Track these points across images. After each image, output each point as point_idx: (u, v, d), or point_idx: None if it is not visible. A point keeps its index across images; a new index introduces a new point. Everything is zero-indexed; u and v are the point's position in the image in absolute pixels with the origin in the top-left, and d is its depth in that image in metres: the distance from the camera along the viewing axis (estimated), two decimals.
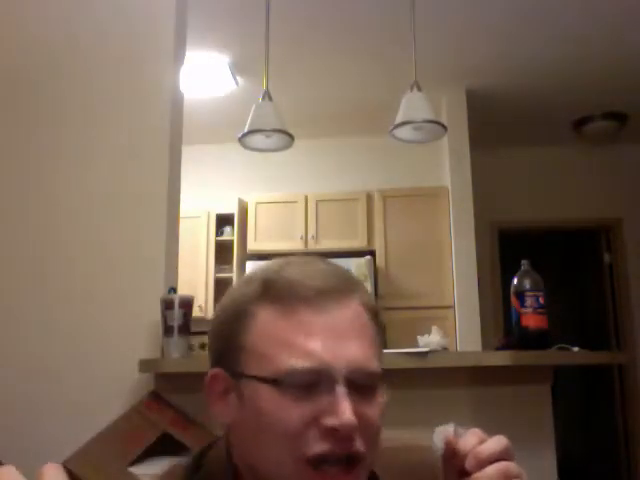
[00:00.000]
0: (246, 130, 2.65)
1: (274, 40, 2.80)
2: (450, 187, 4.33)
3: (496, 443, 0.69)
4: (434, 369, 1.93)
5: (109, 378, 1.95)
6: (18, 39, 2.29)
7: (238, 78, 4.04)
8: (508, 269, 3.39)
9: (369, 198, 4.53)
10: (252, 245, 4.60)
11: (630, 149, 5.06)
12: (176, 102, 2.27)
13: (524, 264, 2.09)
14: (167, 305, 1.90)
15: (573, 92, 4.26)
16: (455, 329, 4.08)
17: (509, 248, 4.93)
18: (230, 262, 4.64)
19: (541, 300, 2.01)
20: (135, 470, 1.67)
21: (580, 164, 5.10)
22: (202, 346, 1.94)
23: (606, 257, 5.22)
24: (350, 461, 0.64)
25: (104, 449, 1.73)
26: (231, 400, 0.68)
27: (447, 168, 4.39)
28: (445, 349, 2.09)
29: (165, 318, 1.90)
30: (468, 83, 4.21)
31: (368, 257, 4.19)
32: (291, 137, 2.70)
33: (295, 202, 4.57)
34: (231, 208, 4.67)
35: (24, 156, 2.21)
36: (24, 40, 2.29)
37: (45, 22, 2.31)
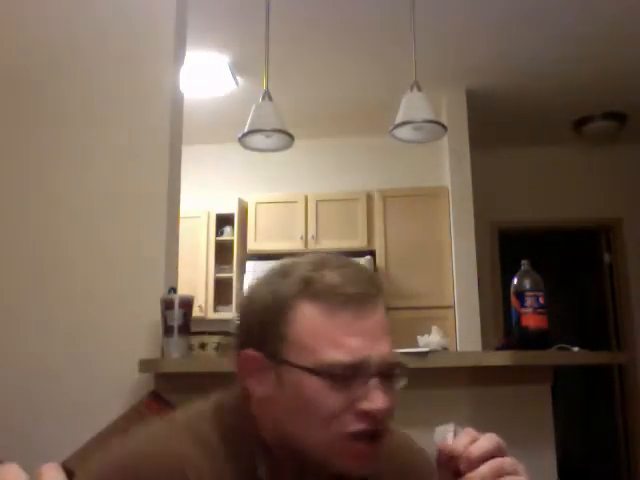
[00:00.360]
0: (246, 130, 2.65)
1: (274, 40, 2.80)
2: (450, 187, 4.33)
3: (487, 441, 0.74)
4: (434, 369, 1.93)
5: (109, 378, 1.95)
6: (18, 39, 2.30)
7: (238, 78, 4.04)
8: (508, 269, 3.39)
9: (369, 198, 4.53)
10: (252, 245, 4.60)
11: (630, 149, 5.06)
12: (176, 102, 2.27)
13: (524, 264, 2.09)
14: (167, 305, 1.90)
15: (573, 92, 4.26)
16: (455, 329, 4.08)
17: (509, 248, 4.93)
18: (230, 262, 4.64)
19: (541, 300, 2.01)
20: None
21: (580, 164, 5.10)
22: (202, 346, 1.94)
23: (606, 257, 5.22)
24: (375, 435, 0.74)
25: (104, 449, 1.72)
26: (267, 379, 0.76)
27: (447, 168, 4.39)
28: (445, 349, 2.09)
29: (165, 318, 1.90)
30: (468, 83, 4.21)
31: (368, 257, 4.19)
32: (291, 137, 2.70)
33: (295, 202, 4.57)
34: (231, 208, 4.67)
35: (24, 156, 2.21)
36: (24, 40, 2.29)
37: (45, 22, 2.31)
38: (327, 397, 0.73)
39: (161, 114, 2.20)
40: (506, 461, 0.72)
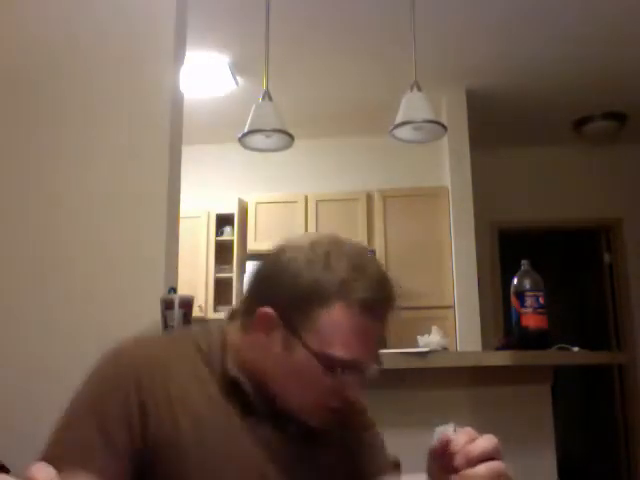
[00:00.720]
0: (246, 130, 2.65)
1: (274, 40, 2.80)
2: (450, 187, 4.33)
3: (487, 442, 0.78)
4: (434, 369, 1.93)
5: None
6: (18, 39, 2.29)
7: (238, 78, 4.04)
8: (508, 269, 3.39)
9: (369, 198, 4.53)
10: (252, 245, 4.60)
11: (630, 149, 5.06)
12: (176, 102, 2.27)
13: (524, 264, 2.09)
14: (167, 305, 1.90)
15: (573, 92, 4.26)
16: (455, 329, 4.08)
17: (509, 248, 4.93)
18: (230, 262, 4.64)
19: (541, 300, 2.01)
20: None
21: (580, 164, 5.10)
22: None
23: (606, 257, 5.22)
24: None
25: None
26: (274, 337, 0.88)
27: (447, 168, 4.39)
28: (445, 349, 2.09)
29: (165, 318, 1.90)
30: (468, 83, 4.21)
31: None
32: (291, 137, 2.70)
33: (295, 202, 4.57)
34: (231, 208, 4.67)
35: (24, 156, 2.21)
36: (24, 40, 2.29)
37: (45, 22, 2.31)
38: (319, 378, 0.87)
39: (161, 114, 2.19)
40: (503, 464, 0.77)
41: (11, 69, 2.27)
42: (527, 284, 2.03)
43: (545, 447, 2.06)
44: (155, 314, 1.93)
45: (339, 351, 0.86)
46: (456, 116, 4.22)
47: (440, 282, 4.25)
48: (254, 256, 4.53)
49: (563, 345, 2.02)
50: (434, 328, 2.13)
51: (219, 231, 4.71)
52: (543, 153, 5.12)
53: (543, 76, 4.06)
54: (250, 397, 0.90)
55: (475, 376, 2.03)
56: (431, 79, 3.51)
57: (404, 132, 2.66)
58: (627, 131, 4.75)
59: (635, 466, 4.77)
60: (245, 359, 0.91)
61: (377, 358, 0.91)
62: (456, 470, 0.77)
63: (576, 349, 2.03)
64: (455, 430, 0.79)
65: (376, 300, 0.88)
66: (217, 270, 4.63)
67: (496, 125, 4.74)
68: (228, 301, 4.57)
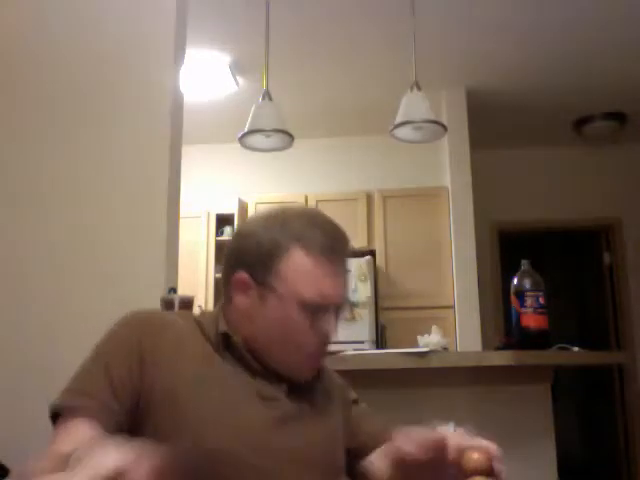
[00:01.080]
0: (246, 130, 2.66)
1: (274, 40, 2.80)
2: (450, 187, 4.33)
3: (482, 455, 0.80)
4: (434, 369, 1.93)
5: None
6: (18, 39, 2.30)
7: (238, 78, 4.04)
8: (508, 269, 3.39)
9: (369, 198, 4.53)
10: None
11: (630, 149, 5.06)
12: (176, 102, 2.27)
13: (524, 264, 2.09)
14: (167, 305, 1.90)
15: (573, 92, 4.26)
16: (455, 329, 4.08)
17: (509, 248, 4.93)
18: None
19: (541, 300, 2.01)
20: None
21: (580, 164, 5.10)
22: None
23: (606, 257, 5.22)
24: (323, 355, 1.03)
25: None
26: (251, 296, 0.99)
27: (447, 168, 4.39)
28: (445, 349, 2.09)
29: None
30: (468, 83, 4.21)
31: (368, 257, 4.19)
32: (291, 137, 2.70)
33: (295, 202, 4.57)
34: (231, 208, 4.67)
35: (24, 156, 2.21)
36: (23, 40, 2.29)
37: (45, 22, 2.31)
38: (300, 322, 0.97)
39: (161, 114, 2.20)
40: None
41: (10, 68, 2.27)
42: (527, 284, 2.03)
43: (545, 447, 2.06)
44: None
45: (308, 291, 0.97)
46: (456, 116, 4.22)
47: (440, 282, 4.25)
48: None
49: (563, 345, 2.02)
50: (434, 328, 2.13)
51: (219, 231, 4.70)
52: (543, 153, 5.12)
53: (543, 76, 4.06)
54: (242, 350, 0.99)
55: (475, 376, 2.03)
56: (431, 79, 3.51)
57: (404, 132, 2.66)
58: (627, 131, 4.75)
59: (635, 466, 4.77)
60: (232, 322, 1.01)
61: (345, 297, 1.02)
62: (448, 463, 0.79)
63: (576, 349, 2.03)
64: (455, 430, 0.79)
65: (332, 242, 1.01)
66: (217, 270, 4.63)
67: (496, 125, 4.74)
68: None
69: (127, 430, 0.89)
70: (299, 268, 0.98)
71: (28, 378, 2.00)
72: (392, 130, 2.64)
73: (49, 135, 2.21)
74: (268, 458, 0.92)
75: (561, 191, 5.08)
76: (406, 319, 4.04)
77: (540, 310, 2.01)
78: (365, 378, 1.94)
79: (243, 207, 4.69)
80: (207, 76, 3.97)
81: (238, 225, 1.07)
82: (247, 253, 1.01)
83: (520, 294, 2.03)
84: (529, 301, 2.01)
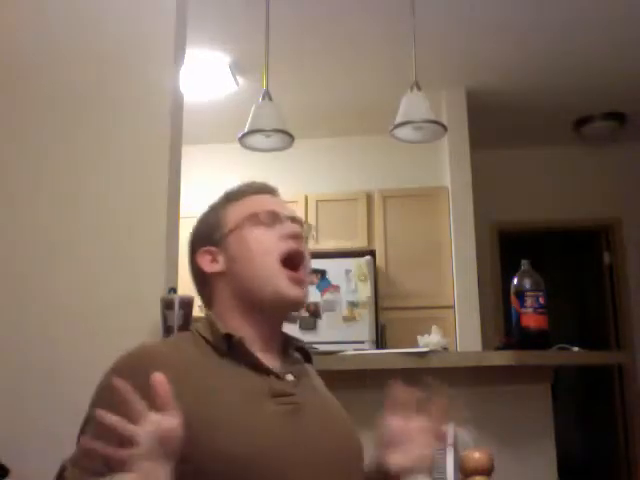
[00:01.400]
0: (246, 130, 2.66)
1: (274, 40, 2.80)
2: (450, 187, 4.33)
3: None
4: (434, 369, 1.93)
5: None
6: (17, 38, 2.29)
7: (238, 78, 4.04)
8: (508, 269, 3.39)
9: (369, 198, 4.53)
10: None
11: (630, 149, 5.06)
12: (176, 102, 2.27)
13: (524, 264, 2.09)
14: (167, 305, 1.90)
15: (573, 92, 4.26)
16: (455, 329, 4.08)
17: (509, 248, 4.93)
18: None
19: (541, 300, 2.02)
20: None
21: (580, 164, 5.10)
22: None
23: (606, 257, 5.22)
24: (300, 261, 1.07)
25: None
26: (220, 259, 1.07)
27: (447, 168, 4.39)
28: (445, 349, 2.09)
29: (165, 318, 1.90)
30: (468, 83, 4.21)
31: (368, 257, 4.19)
32: (291, 137, 2.70)
33: (295, 202, 4.56)
34: None
35: (24, 156, 2.20)
36: (23, 40, 2.29)
37: (45, 22, 2.31)
38: (262, 233, 1.06)
39: (161, 114, 2.19)
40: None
41: (10, 68, 2.27)
42: (527, 284, 2.04)
43: (545, 447, 2.06)
44: (155, 314, 1.93)
45: (254, 209, 1.07)
46: (456, 116, 4.22)
47: (440, 282, 4.25)
48: None
49: (563, 345, 2.02)
50: (434, 328, 2.13)
51: None
52: (543, 153, 5.12)
53: (543, 76, 4.06)
54: (246, 348, 0.99)
55: (475, 376, 2.03)
56: (431, 79, 3.51)
57: (404, 132, 2.66)
58: (627, 131, 4.75)
59: (635, 466, 4.77)
60: (220, 308, 1.06)
61: (294, 213, 1.12)
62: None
63: (576, 349, 2.03)
64: (455, 430, 0.79)
65: (255, 185, 1.14)
66: None
67: (496, 125, 4.74)
68: None
69: None
70: (236, 210, 1.09)
71: (28, 378, 2.00)
72: (392, 130, 2.64)
73: (49, 135, 2.21)
74: (289, 456, 0.91)
75: (561, 191, 5.08)
76: (406, 319, 4.04)
77: (540, 310, 2.01)
78: (365, 378, 1.95)
79: None
80: (207, 76, 3.97)
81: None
82: (198, 236, 1.12)
83: (520, 294, 2.03)
84: (529, 301, 2.01)
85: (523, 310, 2.01)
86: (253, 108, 2.69)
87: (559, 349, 2.01)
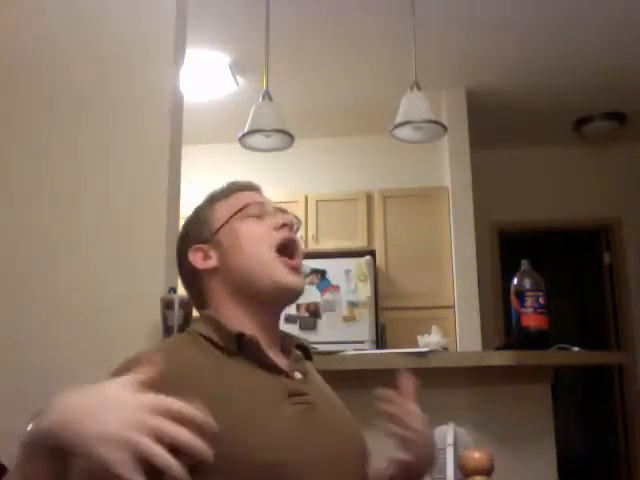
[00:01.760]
0: (246, 130, 2.66)
1: (274, 40, 2.80)
2: (450, 187, 4.33)
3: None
4: (434, 369, 1.93)
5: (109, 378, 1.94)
6: (17, 38, 2.29)
7: (238, 78, 4.04)
8: (508, 269, 3.39)
9: (369, 198, 4.53)
10: None
11: (630, 149, 5.06)
12: (176, 102, 2.27)
13: (524, 264, 2.09)
14: (167, 305, 1.90)
15: (573, 92, 4.26)
16: (455, 329, 4.08)
17: (509, 248, 4.93)
18: None
19: (541, 300, 2.02)
20: None
21: (580, 164, 5.10)
22: None
23: (606, 257, 5.22)
24: (295, 248, 1.08)
25: None
26: (212, 255, 1.07)
27: (447, 168, 4.39)
28: (445, 349, 2.09)
29: (165, 318, 1.90)
30: (468, 83, 4.21)
31: (368, 257, 4.19)
32: (291, 137, 2.70)
33: (295, 202, 4.56)
34: None
35: (24, 156, 2.20)
36: (23, 40, 2.29)
37: (45, 22, 2.31)
38: (254, 225, 1.07)
39: (161, 114, 2.19)
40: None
41: (10, 68, 2.27)
42: (527, 284, 2.04)
43: (545, 447, 2.06)
44: (155, 314, 1.94)
45: (243, 203, 1.08)
46: (456, 116, 4.22)
47: (440, 282, 4.25)
48: None
49: (563, 345, 2.02)
50: (434, 328, 2.13)
51: None
52: (543, 153, 5.12)
53: (543, 76, 4.06)
54: (258, 347, 0.98)
55: (475, 376, 2.03)
56: (431, 79, 3.51)
57: (404, 132, 2.66)
58: (627, 131, 4.75)
59: (635, 466, 4.77)
60: (215, 305, 1.06)
61: (280, 208, 1.13)
62: None
63: (576, 349, 2.03)
64: (455, 430, 0.79)
65: (239, 183, 1.16)
66: None
67: (496, 125, 4.74)
68: None
69: None
70: (223, 208, 1.10)
71: (28, 378, 2.00)
72: (392, 130, 2.64)
73: (49, 135, 2.21)
74: (308, 456, 0.90)
75: (561, 191, 5.08)
76: (406, 319, 4.04)
77: (540, 310, 2.01)
78: (365, 378, 1.94)
79: None
80: (207, 76, 3.97)
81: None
82: (187, 236, 1.12)
83: (520, 294, 2.03)
84: (529, 301, 2.01)
85: (523, 310, 2.01)
86: (253, 108, 2.69)
87: (559, 349, 2.01)
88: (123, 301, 2.04)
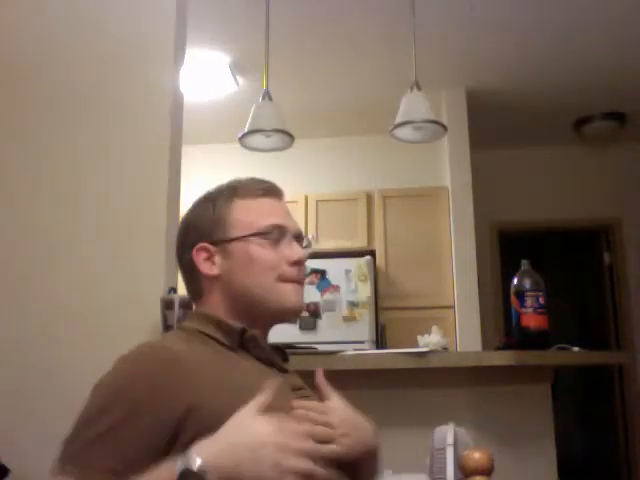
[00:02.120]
0: (246, 130, 2.66)
1: (274, 40, 2.80)
2: (450, 187, 4.33)
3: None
4: (434, 369, 1.93)
5: None
6: (17, 38, 2.29)
7: (238, 78, 4.04)
8: (508, 269, 3.39)
9: (369, 198, 4.53)
10: None
11: (630, 149, 5.05)
12: (176, 102, 2.27)
13: (524, 264, 2.09)
14: (167, 305, 1.90)
15: (573, 92, 4.26)
16: (455, 329, 4.08)
17: (509, 248, 4.93)
18: None
19: (541, 300, 2.02)
20: None
21: (580, 164, 5.10)
22: None
23: (606, 257, 5.22)
24: (299, 280, 1.08)
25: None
26: (217, 261, 1.05)
27: (447, 168, 4.39)
28: (445, 349, 2.09)
29: (165, 318, 1.90)
30: (468, 83, 4.21)
31: (368, 257, 4.19)
32: (291, 137, 2.70)
33: (295, 202, 4.56)
34: None
35: (24, 156, 2.21)
36: (23, 40, 2.29)
37: (45, 22, 2.31)
38: (267, 253, 1.04)
39: (161, 114, 2.19)
40: None
41: (10, 68, 2.27)
42: (527, 284, 2.04)
43: (545, 447, 2.06)
44: (155, 314, 1.94)
45: (262, 222, 1.05)
46: (456, 116, 4.22)
47: (440, 282, 4.25)
48: None
49: (563, 345, 2.02)
50: (434, 328, 2.13)
51: None
52: (543, 153, 5.11)
53: (543, 76, 4.06)
54: (262, 342, 1.02)
55: (475, 376, 2.03)
56: (431, 79, 3.51)
57: (404, 132, 2.66)
58: (627, 131, 4.75)
59: (635, 466, 4.77)
60: (212, 304, 1.06)
61: (297, 226, 1.11)
62: None
63: (576, 349, 2.03)
64: (455, 430, 0.79)
65: (263, 185, 1.11)
66: None
67: (496, 125, 4.74)
68: None
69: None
70: (246, 210, 1.07)
71: (28, 378, 2.00)
72: (392, 130, 2.64)
73: (49, 135, 2.21)
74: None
75: (561, 191, 5.08)
76: (406, 319, 4.04)
77: (540, 310, 2.01)
78: (365, 378, 1.95)
79: None
80: (207, 76, 3.97)
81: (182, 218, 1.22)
82: (196, 227, 1.08)
83: (520, 294, 2.03)
84: (529, 301, 2.01)
85: (523, 310, 2.01)
86: (253, 108, 2.69)
87: (559, 349, 2.01)
88: (123, 301, 2.04)
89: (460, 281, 4.13)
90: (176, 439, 0.85)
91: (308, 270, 4.06)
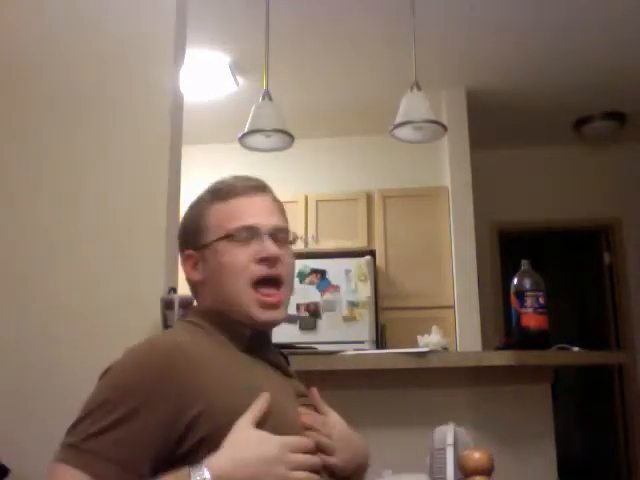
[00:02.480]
0: (246, 130, 2.66)
1: (274, 40, 2.80)
2: (450, 187, 4.33)
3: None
4: (434, 369, 1.93)
5: None
6: (17, 38, 2.29)
7: (238, 78, 4.04)
8: (508, 269, 3.39)
9: (369, 198, 4.53)
10: None
11: (630, 149, 5.06)
12: (176, 102, 2.27)
13: (524, 264, 2.09)
14: (167, 305, 1.90)
15: (573, 92, 4.26)
16: (455, 329, 4.08)
17: (509, 248, 4.93)
18: None
19: (541, 300, 2.02)
20: None
21: (580, 164, 5.10)
22: None
23: (606, 257, 5.22)
24: (276, 283, 1.05)
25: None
26: (200, 267, 1.08)
27: (447, 168, 4.39)
28: (445, 349, 2.09)
29: (165, 318, 1.90)
30: (468, 83, 4.21)
31: (368, 257, 4.19)
32: (291, 137, 2.70)
33: (295, 202, 4.56)
34: None
35: (24, 156, 2.20)
36: (23, 40, 2.29)
37: (45, 22, 2.31)
38: (236, 254, 1.03)
39: (161, 114, 2.19)
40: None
41: (10, 68, 2.27)
42: (527, 284, 2.03)
43: (545, 447, 2.06)
44: (155, 314, 1.94)
45: (231, 225, 1.04)
46: (456, 116, 4.22)
47: (440, 282, 4.25)
48: None
49: (563, 345, 2.02)
50: (434, 328, 2.13)
51: None
52: (543, 153, 5.11)
53: (543, 76, 4.06)
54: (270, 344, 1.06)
55: (475, 376, 2.03)
56: (431, 79, 3.51)
57: (404, 132, 2.66)
58: (627, 131, 4.75)
59: (635, 466, 4.77)
60: (206, 298, 1.08)
61: (276, 221, 1.08)
62: None
63: (576, 349, 2.03)
64: (455, 430, 0.79)
65: (244, 182, 1.10)
66: None
67: (496, 125, 4.74)
68: None
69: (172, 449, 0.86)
70: (218, 214, 1.07)
71: (28, 378, 2.00)
72: (392, 130, 2.64)
73: (49, 135, 2.21)
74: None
75: (561, 191, 5.08)
76: (406, 319, 4.04)
77: (540, 310, 2.01)
78: (365, 378, 1.95)
79: None
80: (207, 76, 3.97)
81: None
82: (183, 233, 1.13)
83: (520, 294, 2.03)
84: (529, 301, 2.01)
85: (523, 310, 2.01)
86: (253, 108, 2.69)
87: (559, 349, 2.01)
88: (123, 301, 2.04)
89: (460, 281, 4.14)
90: (186, 437, 0.86)
91: (308, 270, 4.06)
